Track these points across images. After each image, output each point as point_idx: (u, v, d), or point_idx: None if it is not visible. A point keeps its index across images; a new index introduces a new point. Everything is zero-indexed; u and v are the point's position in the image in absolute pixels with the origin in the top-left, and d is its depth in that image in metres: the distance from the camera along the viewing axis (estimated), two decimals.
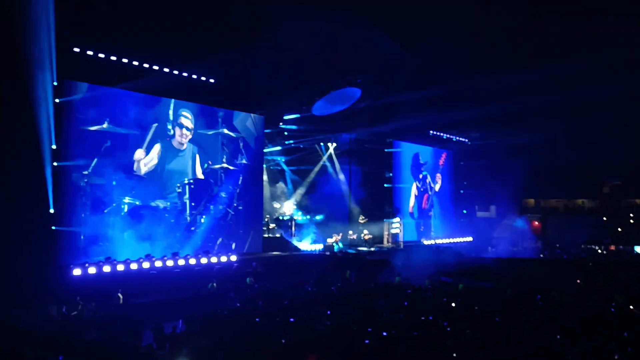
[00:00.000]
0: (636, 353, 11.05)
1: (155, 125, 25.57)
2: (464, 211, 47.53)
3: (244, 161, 29.85)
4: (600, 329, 13.12)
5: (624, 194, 48.36)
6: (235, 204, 29.31)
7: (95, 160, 23.20)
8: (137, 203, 24.79)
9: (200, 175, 27.82)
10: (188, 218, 27.03)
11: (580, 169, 46.58)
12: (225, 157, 28.86)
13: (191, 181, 27.27)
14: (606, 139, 43.47)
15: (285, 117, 32.73)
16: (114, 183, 23.91)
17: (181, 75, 25.96)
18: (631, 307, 16.02)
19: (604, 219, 46.80)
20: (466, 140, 46.18)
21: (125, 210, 24.34)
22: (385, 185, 38.62)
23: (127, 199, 24.39)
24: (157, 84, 24.71)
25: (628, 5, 27.89)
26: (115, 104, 24.25)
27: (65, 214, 21.67)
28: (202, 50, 24.75)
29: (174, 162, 26.73)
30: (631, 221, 45.77)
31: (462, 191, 47.46)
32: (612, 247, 42.25)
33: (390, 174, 38.95)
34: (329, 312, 15.57)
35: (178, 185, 26.75)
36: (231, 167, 29.09)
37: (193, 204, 27.34)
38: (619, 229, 44.84)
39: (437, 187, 43.81)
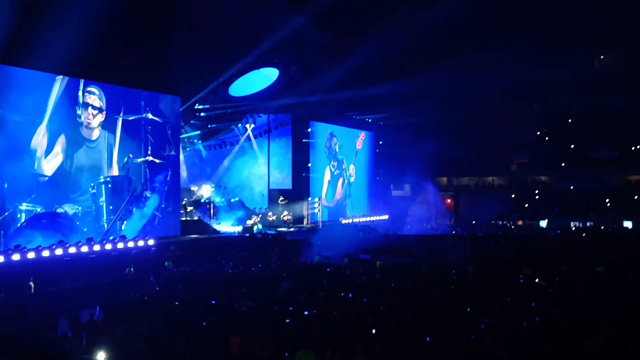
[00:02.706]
0: (542, 322, 11.70)
1: (50, 106, 21.34)
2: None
3: (172, 152, 26.75)
4: (510, 300, 13.81)
5: (531, 171, 50.75)
6: (163, 205, 26.38)
7: None
8: (39, 210, 21.14)
9: (118, 171, 24.34)
10: (105, 225, 23.69)
11: (490, 147, 48.59)
12: (150, 148, 25.71)
13: (108, 179, 23.66)
14: (514, 118, 45.62)
15: (200, 102, 31.92)
16: (5, 186, 20.23)
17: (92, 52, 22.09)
18: (537, 280, 16.90)
19: (512, 195, 48.97)
20: (380, 121, 46.92)
21: (23, 220, 20.78)
22: (303, 169, 38.59)
23: (24, 206, 20.74)
24: (60, 61, 21.31)
25: None
26: (6, 83, 20.24)
27: None
28: (116, 27, 22.57)
29: (85, 156, 22.94)
30: (537, 197, 48.06)
31: (378, 178, 48.20)
32: (520, 222, 44.32)
33: (308, 159, 38.88)
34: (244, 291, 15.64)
35: (92, 184, 23.14)
36: (157, 160, 25.96)
37: (111, 207, 23.98)
38: (526, 205, 47.03)
39: (352, 172, 44.01)
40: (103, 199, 23.76)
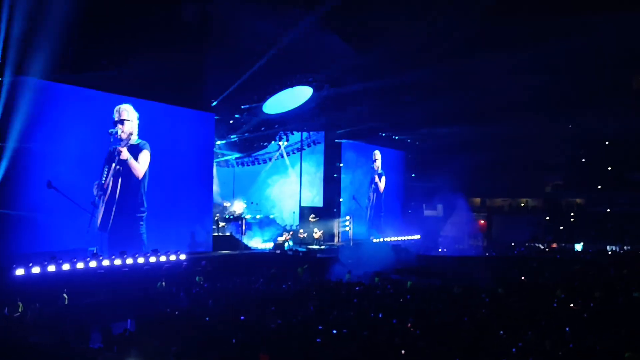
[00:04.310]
0: (577, 348, 11.45)
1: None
2: (409, 211, 47.90)
3: (208, 170, 28.39)
4: (543, 324, 13.56)
5: (565, 193, 49.94)
6: (197, 224, 27.79)
7: None
8: None
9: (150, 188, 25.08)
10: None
11: (523, 169, 47.93)
12: (184, 166, 26.78)
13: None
14: (548, 139, 44.94)
15: (234, 119, 32.22)
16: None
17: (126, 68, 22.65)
18: (571, 305, 16.58)
19: (547, 218, 48.21)
20: (417, 142, 46.70)
21: None
22: (334, 186, 38.55)
23: None
24: (96, 77, 21.69)
25: None
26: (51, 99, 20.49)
27: None
28: (152, 48, 22.70)
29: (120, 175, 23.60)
30: (572, 220, 47.24)
31: (410, 189, 47.86)
32: (554, 245, 43.56)
33: (339, 174, 38.85)
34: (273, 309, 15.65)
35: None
36: (192, 178, 27.32)
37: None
38: (561, 227, 46.24)
39: (381, 187, 43.79)
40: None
